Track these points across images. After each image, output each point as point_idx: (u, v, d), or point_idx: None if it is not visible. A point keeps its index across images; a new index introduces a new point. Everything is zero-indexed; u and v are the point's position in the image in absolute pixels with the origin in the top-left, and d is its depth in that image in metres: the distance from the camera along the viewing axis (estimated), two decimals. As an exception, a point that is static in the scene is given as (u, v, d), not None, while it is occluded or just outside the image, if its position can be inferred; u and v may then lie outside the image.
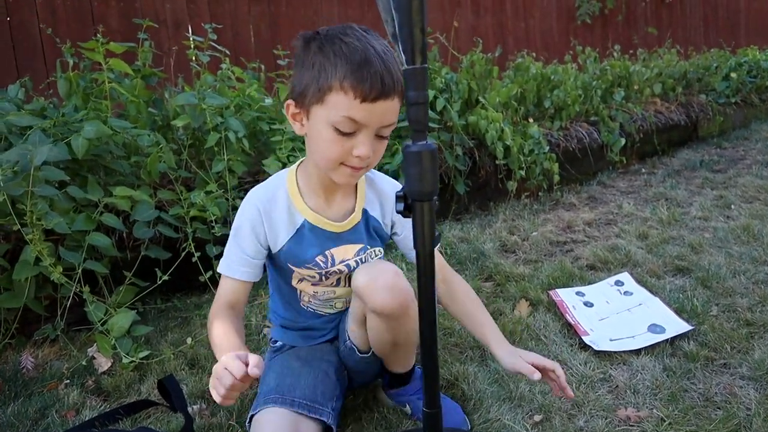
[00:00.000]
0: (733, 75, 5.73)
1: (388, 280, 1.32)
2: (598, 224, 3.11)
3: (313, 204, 1.42)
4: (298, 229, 1.42)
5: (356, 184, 1.47)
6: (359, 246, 1.47)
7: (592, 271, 2.50)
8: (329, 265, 1.44)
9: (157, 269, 2.13)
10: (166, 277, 2.09)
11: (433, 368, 1.18)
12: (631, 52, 6.19)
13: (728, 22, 10.68)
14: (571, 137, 3.93)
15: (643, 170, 4.29)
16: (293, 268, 1.45)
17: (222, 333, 1.30)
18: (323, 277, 1.47)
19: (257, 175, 2.73)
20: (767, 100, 6.12)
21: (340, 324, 1.58)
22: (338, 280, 1.51)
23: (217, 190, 2.34)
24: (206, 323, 1.76)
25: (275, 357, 1.59)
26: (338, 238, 1.44)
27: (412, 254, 1.51)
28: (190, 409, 1.63)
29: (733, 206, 3.25)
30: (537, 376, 1.36)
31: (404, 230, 1.53)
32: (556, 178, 3.51)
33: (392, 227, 1.54)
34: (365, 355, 1.51)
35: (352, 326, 1.48)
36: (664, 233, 2.85)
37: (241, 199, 2.49)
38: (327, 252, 1.43)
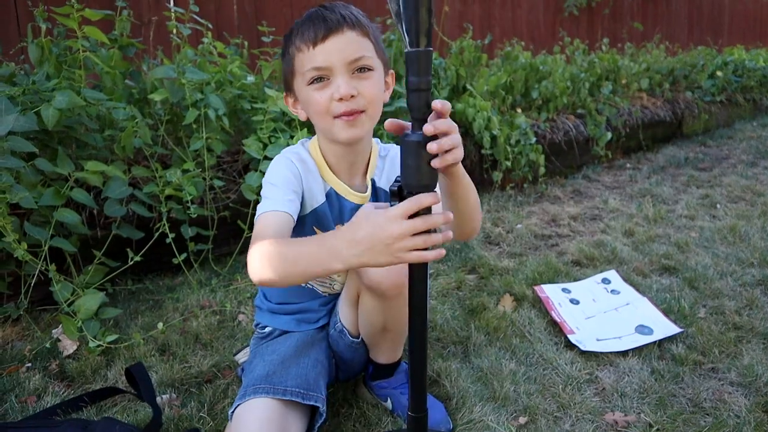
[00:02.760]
0: (719, 73, 5.72)
1: None
2: (583, 219, 3.07)
3: (337, 174, 1.39)
4: (326, 195, 1.39)
5: (369, 158, 1.41)
6: None
7: (577, 267, 2.45)
8: None
9: (128, 249, 2.02)
10: (138, 258, 1.99)
11: (420, 370, 1.12)
12: (619, 45, 6.16)
13: (712, 21, 10.74)
14: (557, 129, 3.88)
15: (628, 165, 4.25)
16: (317, 231, 1.40)
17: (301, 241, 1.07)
18: None
19: (236, 155, 2.63)
20: (751, 99, 6.13)
21: (332, 309, 1.54)
22: None
23: (194, 169, 2.24)
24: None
25: (263, 344, 1.52)
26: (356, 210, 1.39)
27: None
28: (159, 399, 1.55)
29: (718, 205, 3.22)
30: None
31: None
32: (542, 170, 3.46)
33: None
34: (355, 340, 1.47)
35: (344, 307, 1.45)
36: (650, 231, 2.81)
37: (220, 179, 2.43)
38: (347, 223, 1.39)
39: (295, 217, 1.27)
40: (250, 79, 2.74)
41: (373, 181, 1.42)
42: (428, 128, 0.92)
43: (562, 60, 4.48)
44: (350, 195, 1.39)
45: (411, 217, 0.93)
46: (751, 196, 3.40)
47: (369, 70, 1.24)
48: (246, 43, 3.36)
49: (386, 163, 1.44)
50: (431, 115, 0.95)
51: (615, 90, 4.58)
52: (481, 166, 3.35)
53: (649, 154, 4.62)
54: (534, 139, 3.43)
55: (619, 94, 4.63)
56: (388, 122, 0.98)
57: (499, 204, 3.25)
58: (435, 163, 0.94)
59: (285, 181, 1.30)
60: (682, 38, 9.73)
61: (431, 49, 0.93)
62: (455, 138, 0.96)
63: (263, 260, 1.07)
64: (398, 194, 0.99)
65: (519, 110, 3.62)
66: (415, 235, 0.93)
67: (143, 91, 2.55)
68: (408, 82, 0.93)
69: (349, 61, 1.21)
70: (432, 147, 0.93)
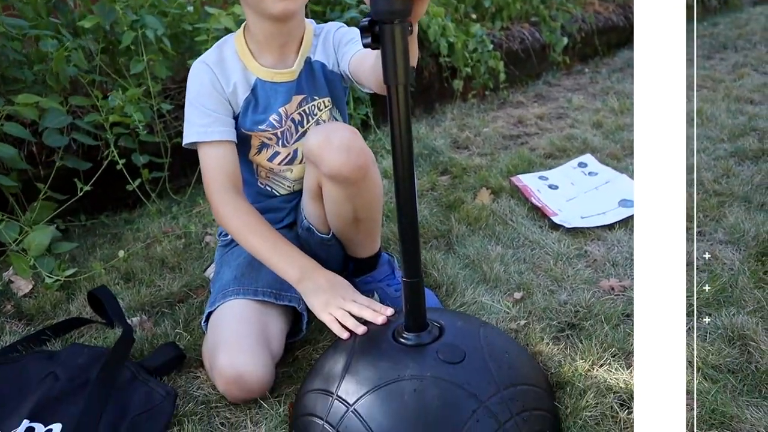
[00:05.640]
0: (666, -24, 5.66)
1: (344, 139, 1.16)
2: (549, 117, 2.99)
3: (263, 62, 1.30)
4: (252, 89, 1.30)
5: (303, 37, 1.32)
6: (302, 96, 1.33)
7: (551, 158, 2.38)
8: (282, 123, 1.32)
9: (76, 179, 1.87)
10: (87, 188, 1.84)
11: (413, 232, 1.02)
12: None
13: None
14: (513, 37, 3.77)
15: (587, 70, 4.19)
16: (249, 133, 1.32)
17: (271, 244, 1.23)
18: (280, 141, 1.34)
19: (182, 82, 2.45)
20: (701, 1, 6.12)
21: (297, 205, 1.43)
22: (293, 157, 1.37)
23: (141, 97, 2.08)
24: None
25: (228, 251, 1.42)
26: (289, 91, 1.31)
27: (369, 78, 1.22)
28: (128, 322, 1.43)
29: (681, 94, 3.19)
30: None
31: (349, 47, 1.30)
32: (502, 76, 3.37)
33: (340, 61, 1.34)
34: (325, 236, 1.37)
35: (308, 202, 1.35)
36: (618, 121, 2.76)
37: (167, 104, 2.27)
38: (280, 109, 1.31)
39: (234, 138, 1.28)
40: (190, 8, 2.55)
41: (308, 58, 1.33)
42: None
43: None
44: (277, 76, 1.30)
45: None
46: (711, 83, 3.38)
47: None
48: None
49: (320, 40, 1.35)
50: None
51: (566, -4, 4.48)
52: (440, 75, 3.23)
53: (606, 59, 4.56)
54: (491, 46, 3.33)
55: (571, 1, 4.53)
56: None
57: (463, 112, 3.14)
58: None
59: (206, 96, 1.27)
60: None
61: None
62: None
63: (240, 230, 1.24)
64: (369, 28, 0.89)
65: (474, 16, 3.50)
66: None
67: (72, 23, 2.35)
68: None
69: None
70: None
